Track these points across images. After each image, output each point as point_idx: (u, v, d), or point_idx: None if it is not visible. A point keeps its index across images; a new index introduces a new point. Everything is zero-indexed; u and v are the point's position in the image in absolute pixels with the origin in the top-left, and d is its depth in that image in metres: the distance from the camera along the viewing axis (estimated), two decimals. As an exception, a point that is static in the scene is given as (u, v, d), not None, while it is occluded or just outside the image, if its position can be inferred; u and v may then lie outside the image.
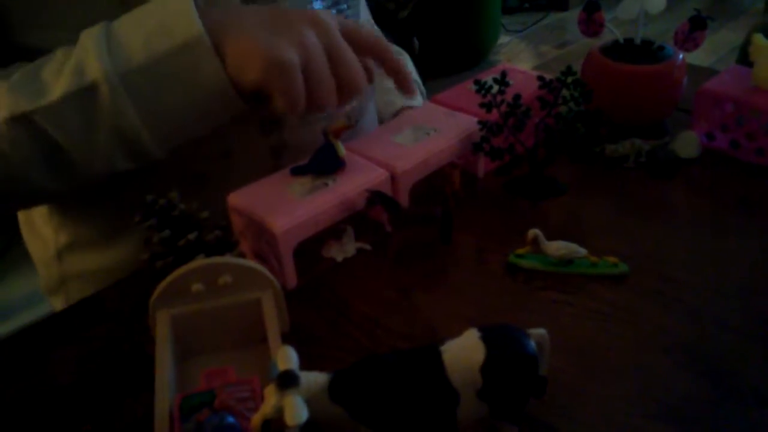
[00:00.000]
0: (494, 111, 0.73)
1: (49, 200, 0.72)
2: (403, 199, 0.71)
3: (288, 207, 0.64)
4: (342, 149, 0.68)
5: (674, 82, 0.83)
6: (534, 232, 0.65)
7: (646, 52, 0.84)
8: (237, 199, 0.66)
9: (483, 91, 0.72)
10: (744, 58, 1.70)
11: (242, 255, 0.61)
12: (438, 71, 2.94)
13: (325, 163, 0.68)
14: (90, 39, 0.57)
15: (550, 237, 0.66)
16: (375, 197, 0.65)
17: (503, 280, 0.65)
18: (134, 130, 0.59)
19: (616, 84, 0.83)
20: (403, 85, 0.65)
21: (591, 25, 0.86)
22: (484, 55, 3.37)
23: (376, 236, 0.70)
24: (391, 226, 0.68)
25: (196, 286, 0.56)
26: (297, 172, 0.69)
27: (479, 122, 0.73)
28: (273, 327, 0.54)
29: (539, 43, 3.58)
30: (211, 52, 0.56)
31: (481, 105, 0.73)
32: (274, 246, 0.63)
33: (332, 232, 0.69)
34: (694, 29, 0.80)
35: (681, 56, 0.84)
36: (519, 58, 3.45)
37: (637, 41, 0.85)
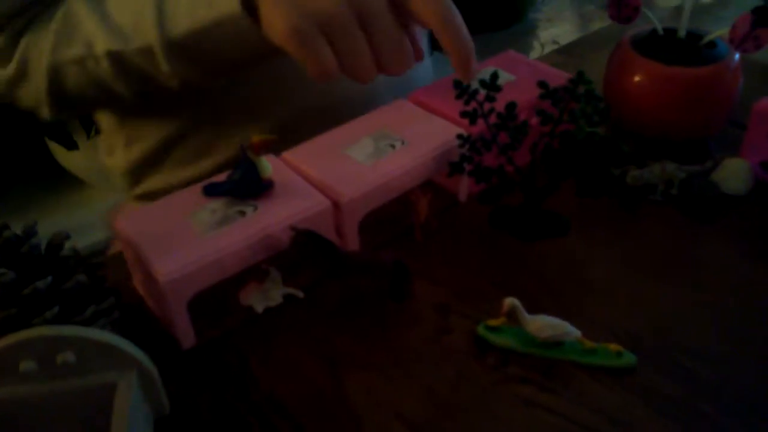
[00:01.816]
0: (480, 122, 0.55)
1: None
2: (351, 235, 0.54)
3: (183, 245, 0.48)
4: (267, 168, 0.51)
5: (726, 91, 0.65)
6: (511, 302, 0.48)
7: (691, 48, 0.65)
8: (125, 223, 0.51)
9: (466, 97, 0.54)
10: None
11: (125, 301, 0.45)
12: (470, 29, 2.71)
13: (244, 185, 0.51)
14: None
15: (541, 293, 0.50)
16: (302, 237, 0.49)
17: (466, 360, 0.49)
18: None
19: (650, 87, 0.65)
20: (459, 68, 0.51)
21: (623, 8, 0.67)
22: (522, 12, 3.12)
23: (316, 278, 0.54)
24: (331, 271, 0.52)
25: (26, 364, 0.40)
26: (211, 192, 0.53)
27: (458, 137, 0.56)
28: (121, 425, 0.39)
29: (585, 2, 3.30)
30: (247, 24, 0.53)
31: (463, 115, 0.55)
32: (162, 297, 0.47)
33: (254, 273, 0.53)
34: (759, 24, 0.60)
35: (737, 57, 0.65)
36: (561, 18, 3.19)
37: (682, 33, 0.66)
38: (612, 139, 0.54)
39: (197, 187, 0.53)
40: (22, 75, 0.63)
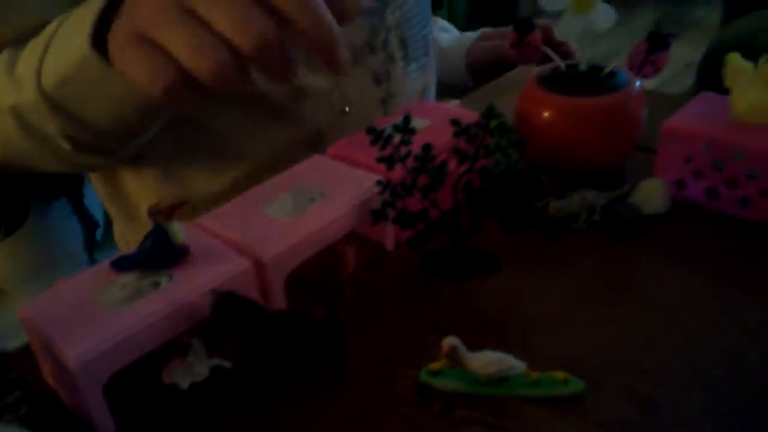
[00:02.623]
0: (399, 167, 0.55)
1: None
2: (277, 295, 0.51)
3: (94, 325, 0.44)
4: (180, 233, 0.48)
5: (632, 117, 0.66)
6: (451, 341, 0.46)
7: (594, 80, 0.66)
8: (28, 309, 0.46)
9: (381, 143, 0.54)
10: (703, 79, 1.56)
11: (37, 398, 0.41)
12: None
13: (156, 255, 0.48)
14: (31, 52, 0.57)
15: (481, 333, 0.48)
16: (223, 301, 0.46)
17: (413, 410, 0.46)
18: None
19: (559, 121, 0.66)
20: (325, 58, 0.44)
21: (525, 49, 0.68)
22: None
23: (243, 345, 0.51)
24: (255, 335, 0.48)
25: None
26: (120, 266, 0.49)
27: (378, 182, 0.55)
28: None
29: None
30: (100, 65, 0.51)
31: (380, 160, 0.54)
32: (74, 383, 0.43)
33: (176, 347, 0.49)
34: (654, 49, 0.63)
35: (638, 83, 0.67)
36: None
37: (583, 67, 0.67)
38: (530, 170, 0.53)
39: (105, 264, 0.50)
40: None
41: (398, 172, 0.55)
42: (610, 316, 0.52)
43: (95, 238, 1.79)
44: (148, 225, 0.48)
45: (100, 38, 0.51)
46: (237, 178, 0.75)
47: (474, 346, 0.47)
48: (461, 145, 0.53)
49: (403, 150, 0.54)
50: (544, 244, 0.60)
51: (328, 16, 0.42)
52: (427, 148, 0.53)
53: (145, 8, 0.42)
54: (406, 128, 0.53)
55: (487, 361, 0.45)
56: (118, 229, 0.88)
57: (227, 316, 0.46)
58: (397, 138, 0.54)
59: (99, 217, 1.88)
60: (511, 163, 0.53)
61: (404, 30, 0.83)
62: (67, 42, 0.53)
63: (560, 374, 0.46)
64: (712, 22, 3.54)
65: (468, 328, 0.51)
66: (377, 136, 0.53)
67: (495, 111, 0.52)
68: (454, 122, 0.53)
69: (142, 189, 0.78)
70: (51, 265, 1.46)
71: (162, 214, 0.47)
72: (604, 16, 0.62)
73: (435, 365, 0.47)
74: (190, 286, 0.47)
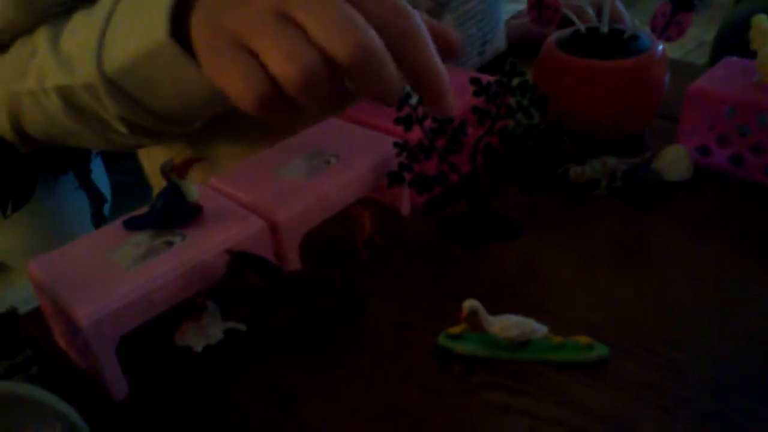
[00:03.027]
0: (416, 128, 0.53)
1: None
2: (291, 258, 0.50)
3: (105, 284, 0.43)
4: (193, 191, 0.47)
5: (654, 81, 0.64)
6: (471, 304, 0.44)
7: (616, 43, 0.64)
8: (38, 269, 0.45)
9: (398, 103, 0.52)
10: (718, 55, 1.53)
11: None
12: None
13: (169, 213, 0.47)
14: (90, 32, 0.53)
15: (499, 298, 0.47)
16: (239, 260, 0.45)
17: (430, 374, 0.45)
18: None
19: (579, 85, 0.64)
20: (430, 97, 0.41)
21: (543, 11, 0.66)
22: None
23: (258, 306, 0.50)
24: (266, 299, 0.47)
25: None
26: (133, 225, 0.48)
27: (395, 144, 0.53)
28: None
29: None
30: (176, 53, 0.47)
31: (397, 121, 0.53)
32: (86, 343, 0.42)
33: (189, 309, 0.48)
34: (678, 10, 0.61)
35: (661, 47, 0.65)
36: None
37: (604, 29, 0.66)
38: (552, 131, 0.52)
39: (118, 223, 0.49)
40: None
41: (416, 134, 0.54)
42: (631, 282, 0.51)
43: (103, 212, 1.79)
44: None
45: (174, 25, 0.47)
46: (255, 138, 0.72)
47: (493, 311, 0.45)
48: (481, 104, 0.52)
49: (420, 111, 0.53)
50: (564, 209, 0.59)
51: (437, 60, 0.40)
52: (446, 108, 0.52)
53: (241, 11, 0.39)
54: (424, 88, 0.52)
55: (508, 323, 0.44)
56: None
57: (242, 276, 0.45)
58: (414, 99, 0.52)
59: (107, 191, 1.87)
60: (533, 123, 0.51)
61: (463, 30, 0.79)
62: (135, 25, 0.50)
63: (584, 339, 0.44)
64: (723, 2, 3.49)
65: (486, 293, 0.50)
66: (395, 96, 0.52)
67: (518, 68, 0.50)
68: (474, 81, 0.52)
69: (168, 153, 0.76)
70: (59, 240, 1.45)
71: (176, 171, 0.46)
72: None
73: (455, 329, 0.46)
74: (204, 246, 0.46)
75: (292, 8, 0.37)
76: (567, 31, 0.68)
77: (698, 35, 2.97)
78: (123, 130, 0.56)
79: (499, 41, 0.88)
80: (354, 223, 0.53)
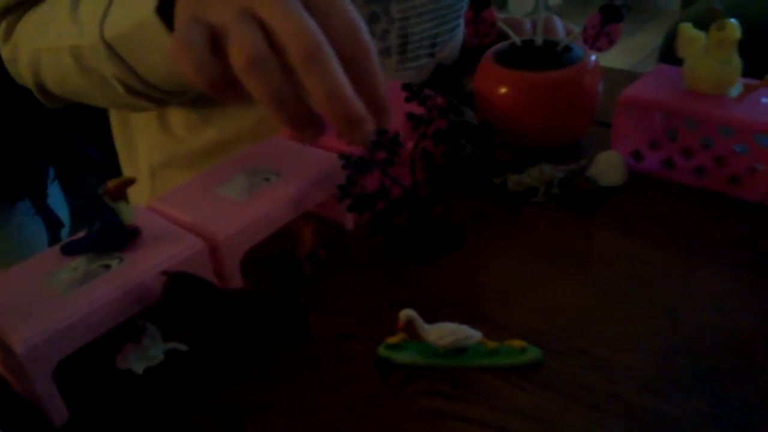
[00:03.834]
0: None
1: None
2: (233, 277, 0.51)
3: (42, 308, 0.43)
4: (129, 213, 0.48)
5: (587, 90, 0.66)
6: (407, 313, 0.45)
7: (550, 54, 0.66)
8: (-25, 297, 0.45)
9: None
10: (665, 59, 1.57)
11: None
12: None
13: (106, 237, 0.47)
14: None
15: (440, 305, 0.47)
16: (175, 281, 0.45)
17: (371, 385, 0.46)
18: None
19: (516, 97, 0.66)
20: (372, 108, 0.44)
21: (480, 26, 0.68)
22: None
23: (198, 326, 0.50)
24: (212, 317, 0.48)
25: None
26: (70, 250, 0.48)
27: (341, 157, 0.54)
28: None
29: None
30: (160, 31, 0.54)
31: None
32: (22, 369, 0.42)
33: (130, 332, 0.48)
34: (607, 21, 0.63)
35: (593, 57, 0.67)
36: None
37: (538, 42, 0.68)
38: (482, 125, 0.53)
39: (55, 249, 0.49)
40: (14, 57, 0.69)
41: (358, 149, 0.54)
42: (569, 285, 0.52)
43: (60, 237, 1.76)
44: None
45: (165, 3, 0.53)
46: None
47: (432, 319, 0.46)
48: (413, 109, 0.53)
49: (358, 126, 0.53)
50: (503, 217, 0.60)
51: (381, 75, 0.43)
52: (381, 121, 0.53)
53: (215, 3, 0.43)
54: (359, 104, 0.53)
55: (443, 331, 0.45)
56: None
57: (180, 297, 0.45)
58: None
59: (65, 215, 1.85)
60: (466, 120, 0.53)
61: (409, 26, 0.80)
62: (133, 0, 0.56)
63: (517, 343, 0.46)
64: (675, 10, 3.59)
65: (427, 302, 0.51)
66: (330, 113, 0.53)
67: (444, 66, 0.52)
68: (406, 86, 0.53)
69: (189, 122, 0.80)
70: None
71: (110, 195, 0.46)
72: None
73: (393, 339, 0.47)
74: (141, 268, 0.46)
75: (257, 7, 0.42)
76: (504, 44, 0.70)
77: (650, 43, 3.05)
78: (120, 90, 0.62)
79: (454, 46, 0.90)
80: (295, 237, 0.54)
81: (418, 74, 0.84)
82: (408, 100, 0.53)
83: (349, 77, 0.41)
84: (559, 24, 0.83)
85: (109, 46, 0.59)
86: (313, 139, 0.44)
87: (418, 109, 0.54)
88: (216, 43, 0.43)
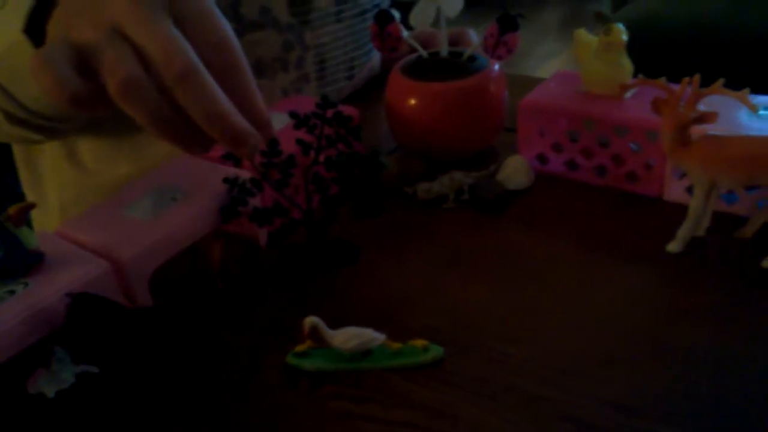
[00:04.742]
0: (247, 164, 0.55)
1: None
2: (141, 296, 0.51)
3: (-60, 338, 0.43)
4: (32, 238, 0.48)
5: (492, 97, 0.69)
6: (311, 320, 0.46)
7: (455, 65, 0.69)
8: None
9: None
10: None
11: None
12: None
13: (9, 263, 0.47)
14: None
15: (347, 313, 0.49)
16: (78, 302, 0.45)
17: (280, 393, 0.46)
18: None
19: (424, 108, 0.68)
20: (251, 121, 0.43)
21: (386, 40, 0.70)
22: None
23: (108, 346, 0.50)
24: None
25: None
26: (-27, 279, 0.48)
27: (225, 180, 0.55)
28: None
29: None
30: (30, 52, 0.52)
31: (225, 157, 0.55)
32: None
33: (40, 357, 0.48)
34: (504, 31, 0.66)
35: (497, 66, 0.69)
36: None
37: (444, 53, 0.70)
38: (371, 156, 0.54)
39: (-41, 278, 0.48)
40: None
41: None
42: (476, 286, 0.54)
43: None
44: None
45: (38, 24, 0.51)
46: None
47: (339, 326, 0.48)
48: (302, 136, 0.54)
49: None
50: (415, 225, 0.62)
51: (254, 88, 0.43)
52: (273, 143, 0.54)
53: (83, 24, 0.42)
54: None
55: (348, 336, 0.46)
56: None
57: (83, 318, 0.45)
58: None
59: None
60: (353, 152, 0.54)
61: (325, 52, 0.82)
62: (5, 21, 0.55)
63: (419, 342, 0.47)
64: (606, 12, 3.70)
65: (335, 310, 0.52)
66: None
67: (329, 100, 0.53)
68: (293, 114, 0.54)
69: (101, 154, 0.78)
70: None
71: (11, 220, 0.47)
72: (452, 3, 0.65)
73: (301, 347, 0.48)
74: (46, 292, 0.46)
75: (125, 26, 0.41)
76: (411, 57, 0.72)
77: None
78: (1, 118, 0.60)
79: (374, 65, 0.91)
80: (203, 255, 0.55)
81: (337, 96, 0.86)
82: (297, 127, 0.54)
83: (224, 91, 0.41)
84: (473, 35, 0.86)
85: None
86: (203, 152, 0.45)
87: (306, 137, 0.55)
88: (87, 62, 0.41)
